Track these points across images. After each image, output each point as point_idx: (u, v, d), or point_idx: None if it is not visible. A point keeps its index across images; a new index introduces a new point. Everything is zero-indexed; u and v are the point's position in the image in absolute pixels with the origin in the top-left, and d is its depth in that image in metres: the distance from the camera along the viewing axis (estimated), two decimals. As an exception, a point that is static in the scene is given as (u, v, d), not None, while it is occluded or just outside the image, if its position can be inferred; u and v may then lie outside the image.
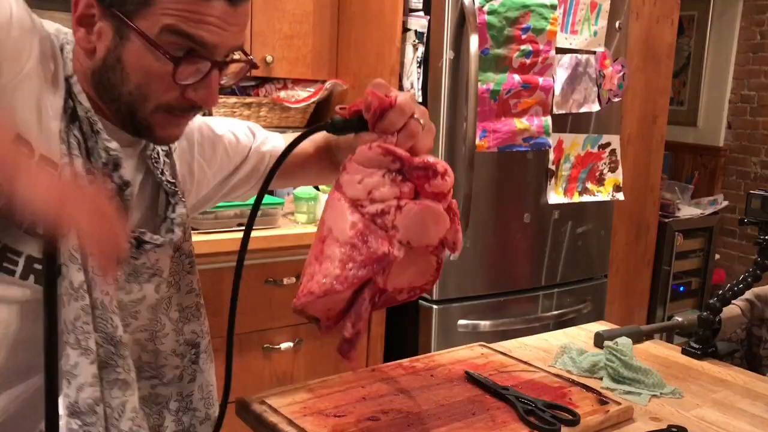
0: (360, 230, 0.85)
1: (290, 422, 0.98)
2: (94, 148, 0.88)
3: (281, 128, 2.55)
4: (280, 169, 0.94)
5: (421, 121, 0.87)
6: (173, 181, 1.00)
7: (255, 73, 2.43)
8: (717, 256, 4.00)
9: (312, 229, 2.29)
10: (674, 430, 1.02)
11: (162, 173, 0.98)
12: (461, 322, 2.39)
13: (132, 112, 0.87)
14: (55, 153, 0.84)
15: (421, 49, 2.31)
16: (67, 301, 0.83)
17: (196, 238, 2.08)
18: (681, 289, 3.70)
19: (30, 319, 0.85)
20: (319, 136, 1.14)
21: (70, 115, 0.87)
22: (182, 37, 0.82)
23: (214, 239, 2.08)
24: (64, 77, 0.87)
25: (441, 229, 0.89)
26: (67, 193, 0.74)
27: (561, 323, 2.53)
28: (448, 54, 2.25)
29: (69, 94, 0.87)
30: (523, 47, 2.32)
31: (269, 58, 2.43)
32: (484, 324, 2.43)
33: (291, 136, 1.05)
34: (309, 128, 0.94)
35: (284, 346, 2.26)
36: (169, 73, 0.83)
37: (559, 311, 2.65)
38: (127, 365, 0.89)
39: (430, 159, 0.88)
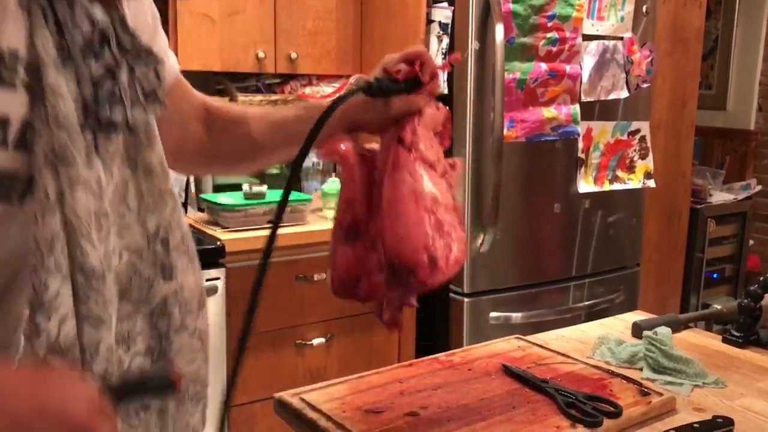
0: (452, 193, 0.89)
1: (330, 419, 0.97)
2: (70, 18, 0.68)
3: (307, 124, 2.55)
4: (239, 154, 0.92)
5: None
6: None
7: (280, 70, 2.43)
8: (751, 242, 3.93)
9: (341, 224, 2.28)
10: (720, 420, 1.00)
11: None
12: (493, 314, 2.38)
13: None
14: (10, 36, 0.63)
15: (445, 40, 2.29)
16: (41, 216, 0.66)
17: (225, 236, 2.10)
18: (715, 276, 3.64)
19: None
20: (294, 110, 1.02)
21: None
22: None
23: (244, 237, 2.09)
24: None
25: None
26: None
27: (593, 314, 2.50)
28: (473, 44, 2.23)
29: None
30: (549, 35, 2.29)
31: (294, 55, 2.43)
32: (516, 316, 2.41)
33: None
34: (348, 91, 0.87)
35: (316, 341, 2.27)
36: None
37: (591, 301, 2.62)
38: (102, 298, 0.72)
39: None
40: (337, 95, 0.86)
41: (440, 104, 0.93)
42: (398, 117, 0.90)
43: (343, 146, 0.89)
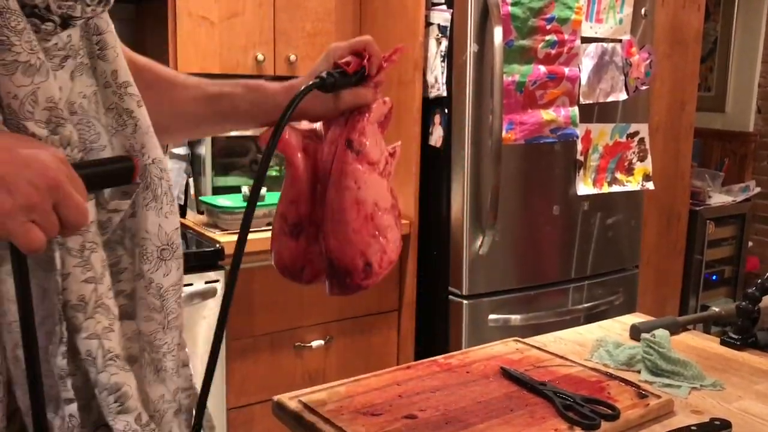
0: (391, 190, 0.93)
1: (328, 421, 0.97)
2: None
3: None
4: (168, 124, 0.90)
5: None
6: None
7: (279, 72, 2.43)
8: (750, 244, 3.93)
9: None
10: (717, 423, 1.00)
11: None
12: (492, 316, 2.38)
13: None
14: None
15: (444, 43, 2.30)
16: None
17: (224, 238, 2.10)
18: (714, 278, 3.64)
19: None
20: (240, 89, 0.97)
21: None
22: None
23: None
24: None
25: None
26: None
27: (592, 316, 2.50)
28: (472, 47, 2.23)
29: None
30: (547, 38, 2.30)
31: (293, 57, 2.43)
32: (515, 318, 2.42)
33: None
34: (304, 88, 0.86)
35: (315, 344, 2.27)
36: None
37: (590, 303, 2.62)
38: None
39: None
40: (296, 94, 0.85)
41: (386, 98, 0.95)
42: (346, 111, 0.91)
43: (290, 145, 0.90)
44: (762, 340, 1.34)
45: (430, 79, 2.35)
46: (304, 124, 0.96)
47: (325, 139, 0.93)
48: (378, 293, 2.39)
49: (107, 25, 0.75)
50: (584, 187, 2.51)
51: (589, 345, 1.31)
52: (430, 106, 2.37)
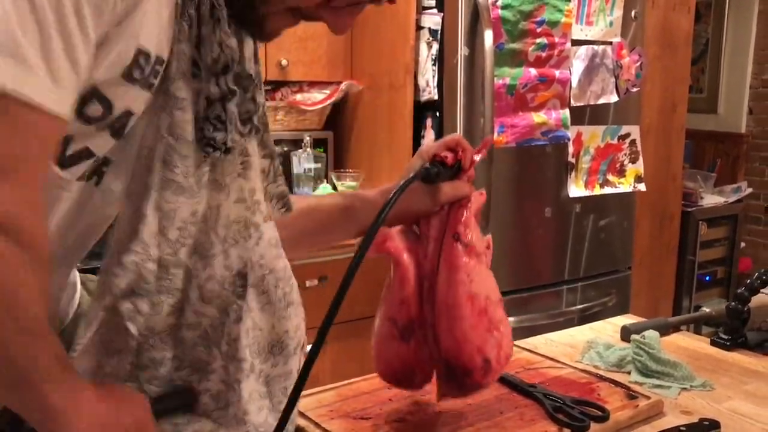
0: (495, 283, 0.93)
1: (317, 425, 0.98)
2: (208, 38, 0.71)
3: (298, 131, 2.55)
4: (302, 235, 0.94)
5: None
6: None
7: (270, 77, 2.44)
8: (742, 245, 3.95)
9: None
10: (706, 423, 1.00)
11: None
12: (485, 319, 2.38)
13: (252, 3, 0.74)
14: (162, 45, 0.68)
15: (435, 46, 2.30)
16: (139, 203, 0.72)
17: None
18: (707, 278, 3.65)
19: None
20: (336, 198, 1.03)
21: None
22: None
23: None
24: None
25: None
26: None
27: (586, 317, 2.51)
28: (462, 50, 2.24)
29: None
30: (538, 41, 2.31)
31: (284, 62, 2.44)
32: (509, 320, 2.42)
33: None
34: (405, 181, 0.85)
35: (309, 348, 2.26)
36: None
37: (584, 305, 2.63)
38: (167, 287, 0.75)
39: None
40: (401, 183, 0.84)
41: (482, 190, 0.96)
42: (446, 203, 0.92)
43: (395, 245, 0.90)
44: (752, 340, 1.35)
45: (422, 82, 2.35)
46: (404, 228, 0.96)
47: (427, 236, 0.92)
48: (371, 297, 2.38)
49: (254, 149, 0.81)
50: (576, 189, 2.52)
51: (580, 347, 1.32)
52: (422, 109, 2.37)
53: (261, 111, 0.81)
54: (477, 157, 0.95)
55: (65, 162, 0.69)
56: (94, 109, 0.66)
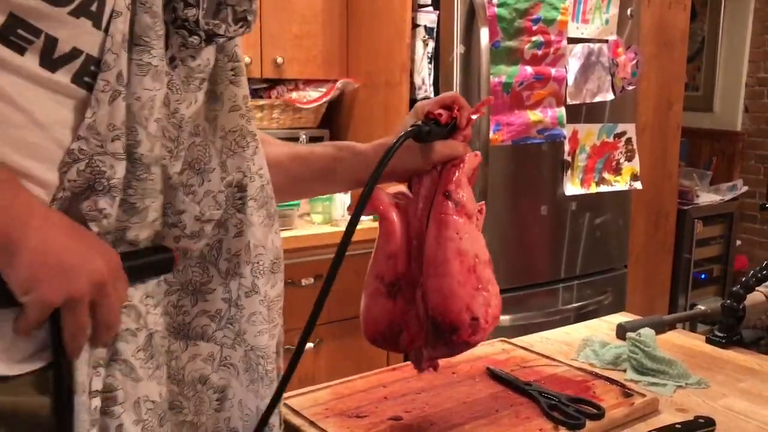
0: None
1: (312, 424, 0.97)
2: None
3: (294, 129, 2.55)
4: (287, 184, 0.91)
5: None
6: None
7: (266, 75, 2.43)
8: (738, 242, 3.95)
9: (329, 228, 2.29)
10: (701, 421, 1.00)
11: None
12: (481, 317, 2.38)
13: None
14: None
15: (431, 44, 2.30)
16: (111, 100, 0.63)
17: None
18: (702, 276, 3.66)
19: None
20: (329, 149, 0.99)
21: None
22: None
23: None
24: None
25: None
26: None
27: (582, 315, 2.51)
28: (458, 48, 2.24)
29: None
30: (534, 38, 2.30)
31: (280, 60, 2.43)
32: (504, 318, 2.42)
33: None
34: (400, 137, 0.84)
35: (305, 347, 2.26)
36: None
37: (580, 303, 2.63)
38: (141, 187, 0.67)
39: None
40: (392, 143, 0.82)
41: (477, 151, 0.94)
42: (439, 162, 0.90)
43: (381, 201, 0.89)
44: (747, 338, 1.35)
45: (417, 80, 2.35)
46: (394, 188, 0.95)
47: (417, 195, 0.91)
48: (367, 295, 2.38)
49: (241, 53, 0.77)
50: (572, 187, 2.52)
51: (575, 345, 1.31)
52: (418, 107, 2.36)
53: (255, 12, 0.75)
54: (474, 117, 0.93)
55: (55, 64, 0.61)
56: None
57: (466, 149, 0.92)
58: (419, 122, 0.88)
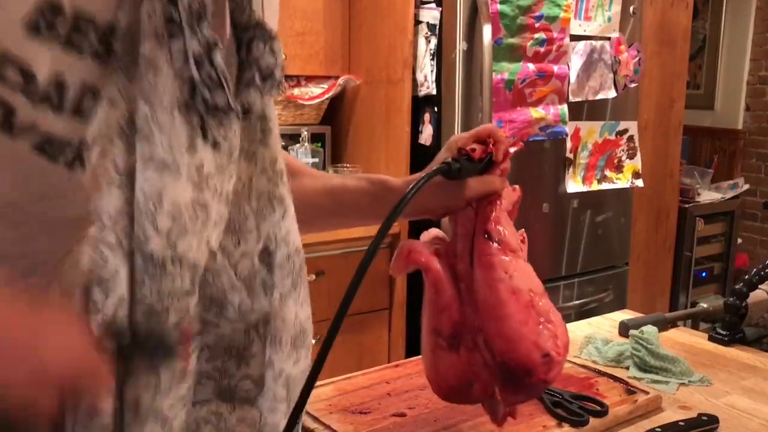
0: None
1: (316, 419, 0.97)
2: None
3: (296, 125, 2.54)
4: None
5: None
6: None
7: (268, 71, 2.43)
8: (739, 241, 3.95)
9: (330, 225, 2.28)
10: (705, 418, 1.00)
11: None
12: (482, 314, 2.38)
13: None
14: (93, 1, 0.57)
15: (433, 41, 2.30)
16: (108, 187, 0.59)
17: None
18: (703, 274, 3.66)
19: None
20: (362, 183, 0.94)
21: None
22: None
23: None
24: None
25: None
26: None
27: (583, 313, 2.51)
28: (461, 45, 2.23)
29: None
30: (536, 36, 2.30)
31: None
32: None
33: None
34: (425, 175, 0.79)
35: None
36: None
37: (581, 301, 2.63)
38: (157, 287, 0.62)
39: None
40: (416, 181, 0.77)
41: (515, 185, 0.90)
42: (474, 200, 0.85)
43: (421, 253, 0.84)
44: (749, 336, 1.35)
45: (420, 77, 2.35)
46: (428, 235, 0.91)
47: (456, 235, 0.87)
48: (369, 292, 2.39)
49: (273, 111, 0.72)
50: (574, 184, 2.52)
51: (578, 342, 1.31)
52: (420, 104, 2.37)
53: (282, 65, 0.69)
54: (512, 149, 0.89)
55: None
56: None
57: (504, 184, 0.87)
58: (450, 159, 0.84)
